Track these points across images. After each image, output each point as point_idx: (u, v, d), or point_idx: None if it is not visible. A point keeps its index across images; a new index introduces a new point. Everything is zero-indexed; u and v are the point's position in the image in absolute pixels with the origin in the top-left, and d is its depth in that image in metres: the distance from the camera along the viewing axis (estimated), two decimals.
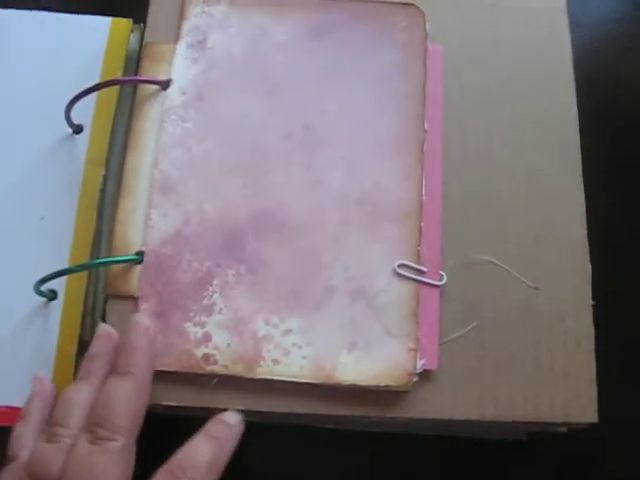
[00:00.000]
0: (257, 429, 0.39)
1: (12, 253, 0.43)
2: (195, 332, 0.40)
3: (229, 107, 0.45)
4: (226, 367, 0.39)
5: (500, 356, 0.41)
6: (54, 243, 0.44)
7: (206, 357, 0.40)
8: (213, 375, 0.39)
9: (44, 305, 0.43)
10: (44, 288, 0.42)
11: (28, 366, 0.42)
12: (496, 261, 0.42)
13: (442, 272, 0.42)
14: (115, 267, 0.42)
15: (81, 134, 0.46)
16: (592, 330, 0.41)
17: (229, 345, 0.40)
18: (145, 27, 0.47)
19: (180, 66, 0.45)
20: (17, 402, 0.40)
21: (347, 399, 0.40)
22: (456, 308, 0.42)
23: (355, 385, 0.39)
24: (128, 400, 0.36)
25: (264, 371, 0.39)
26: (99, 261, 0.42)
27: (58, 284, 0.43)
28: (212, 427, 0.37)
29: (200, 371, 0.39)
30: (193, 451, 0.36)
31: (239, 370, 0.39)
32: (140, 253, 0.42)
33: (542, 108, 0.46)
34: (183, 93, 0.45)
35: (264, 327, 0.40)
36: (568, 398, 0.40)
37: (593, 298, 0.42)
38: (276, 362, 0.39)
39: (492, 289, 0.42)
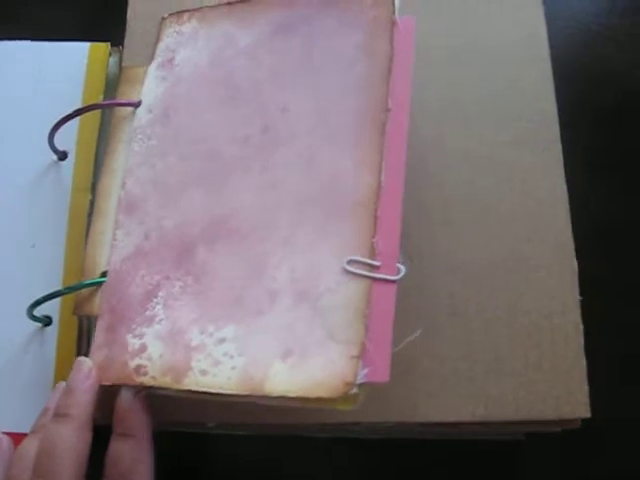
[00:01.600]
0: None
1: (5, 282, 0.45)
2: (133, 343, 0.38)
3: (192, 119, 0.43)
4: (154, 378, 0.37)
5: (488, 356, 0.40)
6: (46, 270, 0.45)
7: (138, 368, 0.38)
8: (142, 387, 0.37)
9: (39, 331, 0.44)
10: (39, 314, 0.43)
11: (26, 392, 0.43)
12: (474, 253, 0.42)
13: (401, 266, 0.36)
14: (83, 289, 0.41)
15: (66, 160, 0.47)
16: (580, 326, 0.40)
17: (161, 355, 0.38)
18: (123, 49, 0.47)
19: (149, 85, 0.45)
20: (16, 429, 0.41)
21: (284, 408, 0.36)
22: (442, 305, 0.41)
23: (285, 397, 0.34)
24: (69, 445, 0.35)
25: (191, 382, 0.36)
26: (83, 284, 0.42)
27: (52, 310, 0.44)
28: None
29: (131, 382, 0.37)
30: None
31: (167, 381, 0.37)
32: (104, 274, 0.41)
33: (521, 106, 0.45)
34: (150, 111, 0.44)
35: (198, 336, 0.37)
36: (559, 395, 0.39)
37: (583, 293, 0.41)
38: (204, 373, 0.36)
39: (476, 290, 0.41)
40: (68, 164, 0.46)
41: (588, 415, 0.39)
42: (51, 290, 0.42)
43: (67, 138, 0.46)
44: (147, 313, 0.39)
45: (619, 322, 0.48)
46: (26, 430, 0.40)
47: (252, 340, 0.36)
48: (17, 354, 0.43)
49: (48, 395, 0.41)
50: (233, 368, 0.36)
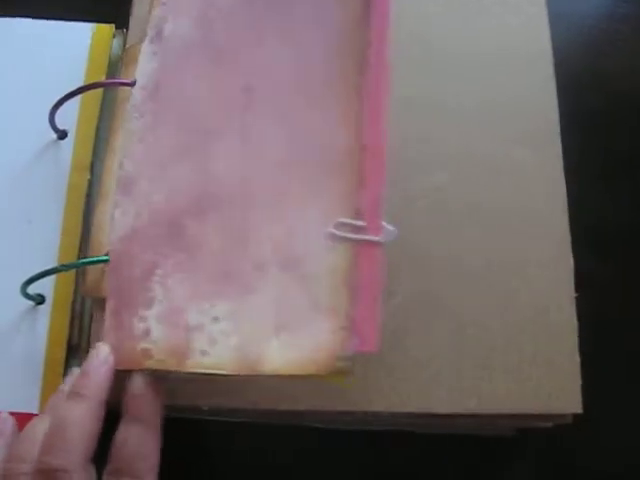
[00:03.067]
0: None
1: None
2: (138, 327, 0.38)
3: (179, 90, 0.43)
4: (161, 361, 0.37)
5: (482, 349, 0.40)
6: (41, 247, 0.44)
7: (144, 352, 0.37)
8: (150, 370, 0.37)
9: (32, 310, 0.43)
10: (32, 293, 0.42)
11: (17, 371, 0.42)
12: (471, 246, 0.41)
13: (388, 226, 0.36)
14: (91, 271, 0.41)
15: (66, 139, 0.46)
16: (575, 321, 0.40)
17: (163, 338, 0.37)
18: (127, 32, 0.47)
19: (142, 63, 0.44)
20: (5, 408, 0.40)
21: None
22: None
23: (278, 375, 0.35)
24: (80, 424, 0.35)
25: (193, 363, 0.36)
26: (81, 261, 0.42)
27: (46, 289, 0.43)
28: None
29: (139, 367, 0.37)
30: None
31: (172, 363, 0.37)
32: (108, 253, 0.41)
33: (522, 105, 0.45)
34: (144, 89, 0.44)
35: (196, 316, 0.37)
36: (552, 389, 0.39)
37: (579, 289, 0.41)
38: (204, 353, 0.36)
39: (471, 284, 0.41)
40: (67, 143, 0.46)
41: (580, 411, 0.39)
42: (45, 267, 0.41)
43: (67, 118, 0.46)
44: (148, 294, 0.38)
45: (613, 319, 0.49)
46: (15, 409, 0.40)
47: (244, 316, 0.36)
48: (8, 332, 0.43)
49: (38, 374, 0.41)
50: (229, 347, 0.36)
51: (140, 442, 0.36)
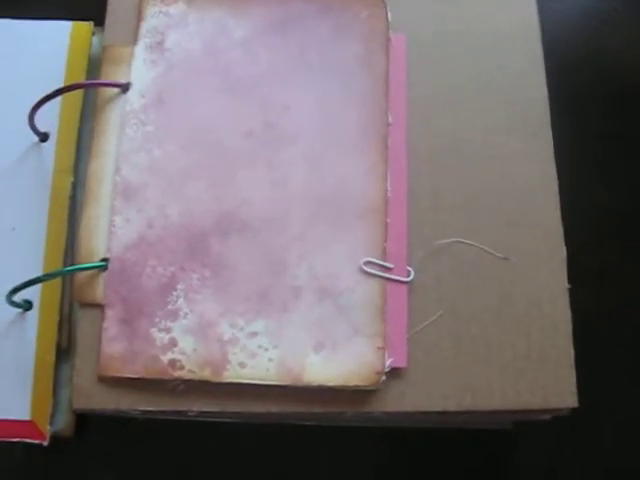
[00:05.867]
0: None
1: None
2: (161, 338, 0.40)
3: (190, 108, 0.44)
4: (193, 372, 0.39)
5: (476, 345, 0.41)
6: (27, 254, 0.44)
7: (173, 362, 0.39)
8: (181, 380, 0.39)
9: (20, 316, 0.43)
10: (18, 299, 0.42)
11: (7, 378, 0.42)
12: (467, 241, 0.42)
13: (409, 268, 0.41)
14: (81, 275, 0.41)
15: (48, 142, 0.45)
16: (569, 314, 0.41)
17: (195, 350, 0.39)
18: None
19: (139, 69, 0.44)
20: None
21: (320, 397, 0.39)
22: (428, 300, 0.41)
23: (323, 386, 0.39)
24: None
25: (231, 375, 0.39)
26: (66, 269, 0.42)
27: (33, 294, 0.43)
28: None
29: (167, 377, 0.39)
30: None
31: (206, 375, 0.39)
32: (105, 260, 0.41)
33: (510, 91, 0.45)
34: (143, 96, 0.44)
35: (229, 330, 0.40)
36: (547, 384, 0.40)
37: (573, 281, 0.41)
38: (243, 365, 0.39)
39: (465, 278, 0.42)
40: (49, 146, 0.45)
41: (576, 405, 0.39)
42: (31, 273, 0.41)
43: (49, 119, 0.45)
44: (169, 307, 0.40)
45: (608, 309, 0.49)
46: (6, 416, 0.41)
47: (283, 333, 0.40)
48: None
49: (29, 380, 0.41)
50: (270, 360, 0.39)
51: None
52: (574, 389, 0.39)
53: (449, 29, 0.46)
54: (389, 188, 0.42)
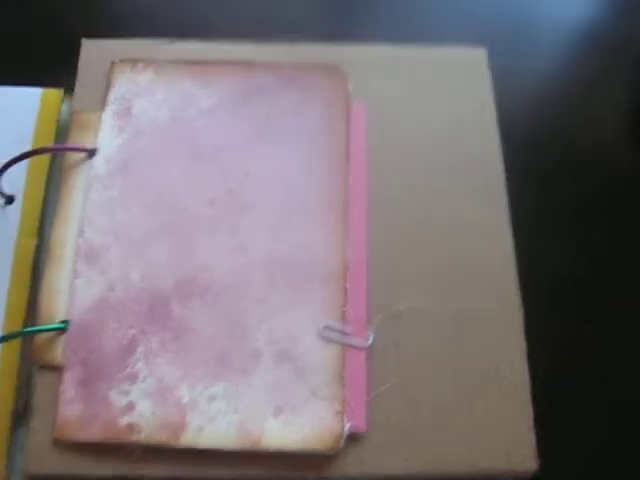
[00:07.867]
0: None
1: None
2: (119, 401, 0.39)
3: (154, 174, 0.45)
4: (150, 436, 0.39)
5: (435, 408, 0.41)
6: None
7: (130, 426, 0.39)
8: (137, 444, 0.39)
9: None
10: None
11: None
12: (424, 306, 0.43)
13: (369, 332, 0.42)
14: (40, 337, 0.41)
15: (13, 204, 0.46)
16: (527, 375, 0.41)
17: (153, 413, 0.39)
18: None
19: (106, 135, 0.46)
20: None
21: (280, 461, 0.39)
22: (387, 364, 0.42)
23: (282, 450, 0.39)
24: None
25: (189, 439, 0.39)
26: (26, 330, 0.42)
27: None
28: None
29: (124, 440, 0.39)
30: None
31: (164, 439, 0.39)
32: (65, 322, 0.41)
33: (469, 164, 0.47)
34: (108, 162, 0.45)
35: (188, 394, 0.40)
36: (508, 445, 0.39)
37: (533, 345, 0.42)
38: (201, 429, 0.39)
39: (422, 342, 0.42)
40: (15, 208, 0.46)
41: (534, 467, 0.39)
42: None
43: (15, 183, 0.45)
44: (128, 370, 0.40)
45: (570, 375, 0.48)
46: None
47: (242, 397, 0.40)
48: None
49: None
50: (229, 424, 0.39)
51: None
52: (533, 451, 0.39)
53: (405, 101, 0.49)
54: (349, 253, 0.43)
